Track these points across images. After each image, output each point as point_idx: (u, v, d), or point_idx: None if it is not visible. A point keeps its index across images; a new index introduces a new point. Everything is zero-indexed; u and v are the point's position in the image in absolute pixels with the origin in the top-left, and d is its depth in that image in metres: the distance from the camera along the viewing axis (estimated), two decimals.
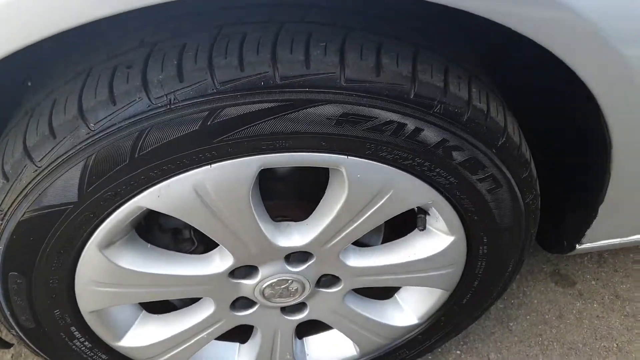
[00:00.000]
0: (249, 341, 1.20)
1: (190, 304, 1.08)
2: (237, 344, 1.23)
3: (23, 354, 1.40)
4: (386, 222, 1.12)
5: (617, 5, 0.71)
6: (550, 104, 1.02)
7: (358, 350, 1.24)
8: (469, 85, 0.81)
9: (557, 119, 1.03)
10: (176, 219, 0.98)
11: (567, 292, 1.65)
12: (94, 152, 0.71)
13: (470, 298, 1.15)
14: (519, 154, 0.89)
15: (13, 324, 0.92)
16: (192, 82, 0.69)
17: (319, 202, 0.91)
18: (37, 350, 0.98)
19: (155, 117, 0.69)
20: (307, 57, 0.70)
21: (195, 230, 1.01)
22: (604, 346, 1.52)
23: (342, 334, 1.24)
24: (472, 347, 1.50)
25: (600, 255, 1.75)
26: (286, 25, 0.72)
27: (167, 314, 1.07)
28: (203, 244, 1.01)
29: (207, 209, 0.81)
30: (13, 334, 0.95)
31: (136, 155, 0.71)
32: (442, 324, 1.21)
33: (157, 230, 0.98)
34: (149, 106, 0.69)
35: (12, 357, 1.38)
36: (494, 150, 0.85)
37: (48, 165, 0.72)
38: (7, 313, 0.90)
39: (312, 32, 0.72)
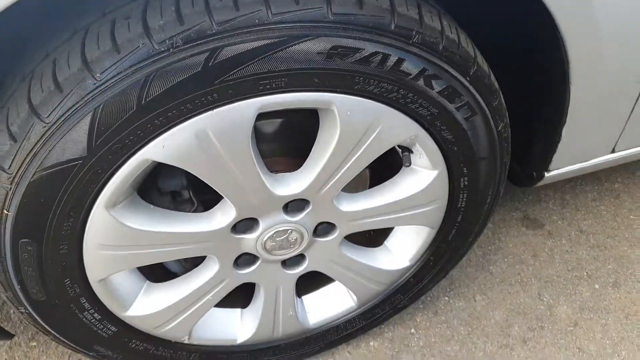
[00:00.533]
0: (251, 304, 1.24)
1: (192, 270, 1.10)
2: (239, 309, 1.26)
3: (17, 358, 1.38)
4: (370, 177, 1.19)
5: None
6: (506, 24, 1.10)
7: (356, 300, 1.29)
8: (439, 18, 0.88)
9: (512, 38, 1.11)
10: (174, 181, 1.02)
11: (537, 233, 1.76)
12: (101, 103, 0.73)
13: (455, 234, 1.23)
14: (489, 82, 0.98)
15: (22, 298, 0.92)
16: (192, 25, 0.73)
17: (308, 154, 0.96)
18: (46, 326, 0.98)
19: (159, 62, 0.73)
20: None
21: (194, 191, 1.04)
22: (576, 275, 1.64)
23: (339, 288, 1.29)
24: (458, 293, 1.58)
25: (563, 198, 1.88)
26: None
27: (172, 280, 1.09)
28: (202, 205, 1.04)
29: (209, 157, 0.85)
30: (21, 312, 0.95)
31: (143, 102, 0.74)
32: (432, 264, 1.28)
33: (156, 194, 1.01)
34: (152, 51, 0.72)
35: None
36: (467, 79, 0.93)
37: (56, 121, 0.74)
38: (17, 287, 0.90)
39: None
